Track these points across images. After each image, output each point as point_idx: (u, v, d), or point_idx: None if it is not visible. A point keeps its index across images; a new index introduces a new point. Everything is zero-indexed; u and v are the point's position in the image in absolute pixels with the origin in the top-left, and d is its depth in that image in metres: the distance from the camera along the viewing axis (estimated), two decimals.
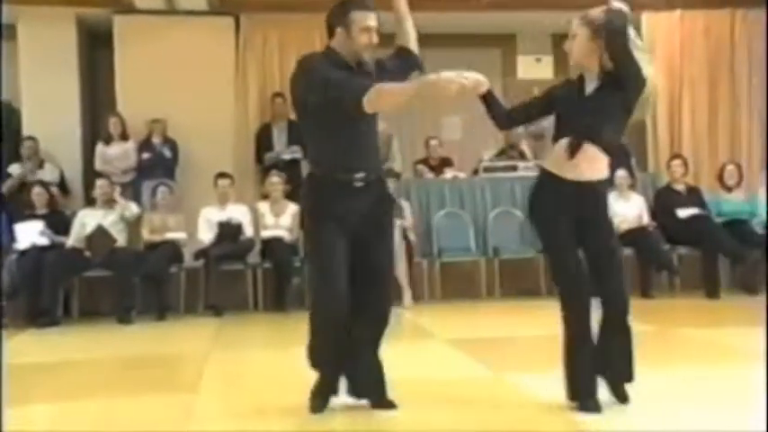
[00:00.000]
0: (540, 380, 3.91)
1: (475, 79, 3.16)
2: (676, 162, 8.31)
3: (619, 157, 8.71)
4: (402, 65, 3.56)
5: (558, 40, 10.25)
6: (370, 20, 3.34)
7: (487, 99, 3.42)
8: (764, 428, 2.95)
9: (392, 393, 3.52)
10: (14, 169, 8.36)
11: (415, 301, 7.70)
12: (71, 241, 7.41)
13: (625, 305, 3.32)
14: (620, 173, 8.21)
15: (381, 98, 3.16)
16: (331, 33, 3.41)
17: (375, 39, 3.36)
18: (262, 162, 8.63)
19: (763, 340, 4.47)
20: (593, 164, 3.31)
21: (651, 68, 3.23)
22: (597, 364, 3.27)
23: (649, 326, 6.07)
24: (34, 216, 7.60)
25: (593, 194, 3.32)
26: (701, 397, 3.65)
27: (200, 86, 8.56)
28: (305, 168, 8.82)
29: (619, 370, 3.32)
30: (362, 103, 3.12)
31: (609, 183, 3.24)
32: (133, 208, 7.69)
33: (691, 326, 6.04)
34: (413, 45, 3.64)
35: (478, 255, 8.20)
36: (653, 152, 9.65)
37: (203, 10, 8.90)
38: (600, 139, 3.28)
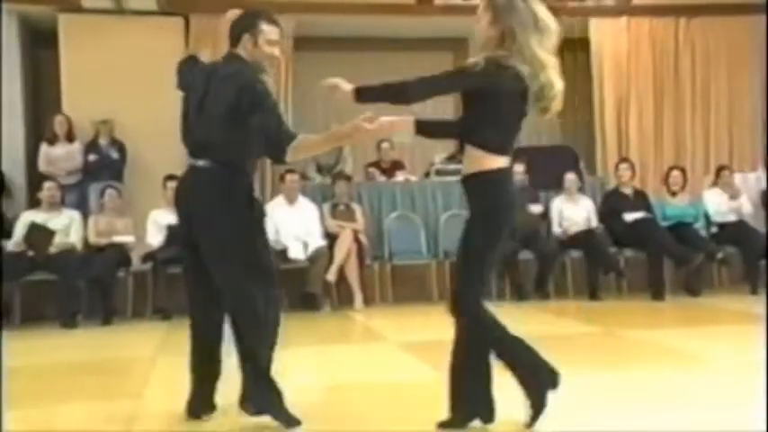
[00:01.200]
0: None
1: (389, 123, 3.13)
2: (624, 166, 8.45)
3: (567, 161, 8.88)
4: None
5: None
6: (277, 35, 3.49)
7: (423, 128, 3.26)
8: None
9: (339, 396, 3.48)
10: None
11: (366, 304, 7.70)
12: (12, 245, 7.21)
13: (456, 304, 3.16)
14: (569, 176, 8.32)
15: (303, 151, 3.29)
16: (236, 41, 3.46)
17: (278, 53, 3.49)
18: None
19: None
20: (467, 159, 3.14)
21: (551, 66, 3.07)
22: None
23: (596, 327, 6.18)
24: None
25: (464, 189, 3.18)
26: (646, 397, 3.70)
27: (148, 87, 8.41)
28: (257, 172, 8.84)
29: None
30: (286, 153, 3.17)
31: (487, 176, 3.05)
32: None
33: (637, 327, 6.13)
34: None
35: (430, 258, 8.22)
36: (601, 156, 9.81)
37: (152, 10, 8.79)
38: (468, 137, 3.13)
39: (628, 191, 8.37)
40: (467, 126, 3.12)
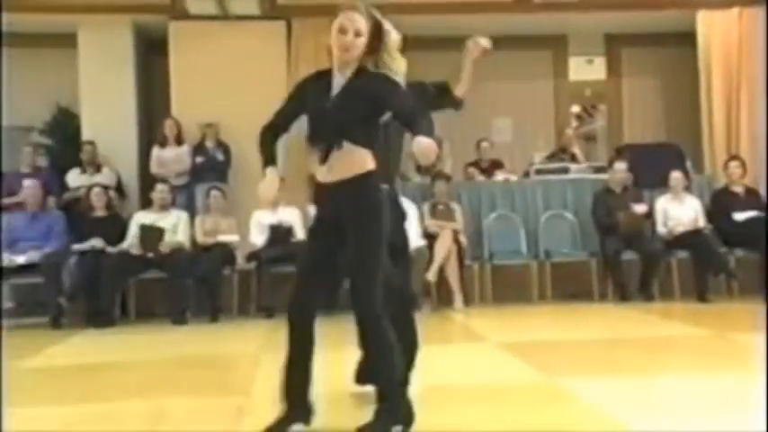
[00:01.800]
0: (592, 383, 3.84)
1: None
2: (734, 164, 8.12)
3: (673, 158, 8.60)
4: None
5: (611, 41, 10.14)
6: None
7: None
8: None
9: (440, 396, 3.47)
10: (74, 174, 8.55)
11: (466, 305, 7.67)
12: (127, 243, 7.54)
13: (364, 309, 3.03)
14: (675, 174, 8.06)
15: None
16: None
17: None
18: None
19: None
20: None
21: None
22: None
23: (705, 330, 5.96)
24: (93, 218, 7.76)
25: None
26: (758, 403, 3.55)
27: (252, 91, 8.62)
28: None
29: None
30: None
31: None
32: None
33: (749, 330, 5.87)
34: (459, 89, 3.79)
35: (530, 258, 8.12)
36: (709, 153, 9.44)
37: (255, 15, 9.00)
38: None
39: (738, 189, 8.04)
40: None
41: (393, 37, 3.14)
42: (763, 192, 8.39)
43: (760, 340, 5.10)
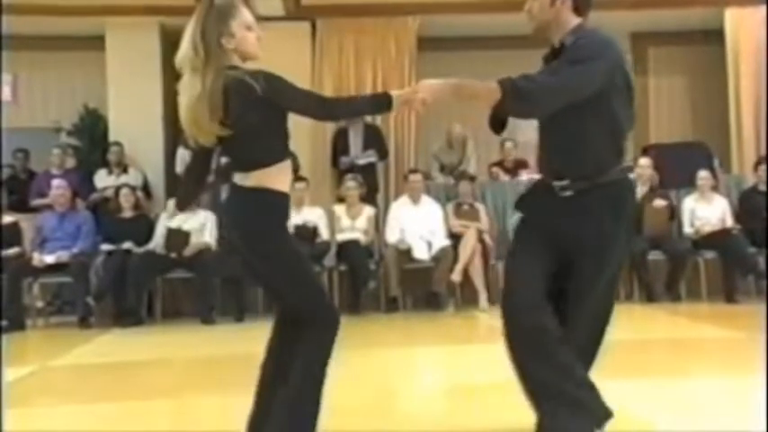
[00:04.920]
0: (617, 384, 3.80)
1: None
2: (765, 166, 8.02)
3: (700, 158, 8.50)
4: None
5: (637, 39, 10.01)
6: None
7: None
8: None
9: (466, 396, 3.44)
10: (101, 175, 8.63)
11: (491, 304, 7.62)
12: (154, 243, 7.59)
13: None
14: (703, 174, 7.97)
15: None
16: None
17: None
18: (337, 166, 8.67)
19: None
20: None
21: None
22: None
23: (734, 331, 5.88)
24: (121, 219, 7.83)
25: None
26: None
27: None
28: (380, 172, 8.94)
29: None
30: None
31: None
32: None
33: None
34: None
35: None
36: (737, 153, 9.32)
37: (280, 15, 9.02)
38: None
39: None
40: None
41: None
42: None
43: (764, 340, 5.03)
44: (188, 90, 2.69)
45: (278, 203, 2.71)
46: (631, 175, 2.78)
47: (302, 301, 2.73)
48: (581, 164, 2.71)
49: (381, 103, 2.79)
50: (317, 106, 2.80)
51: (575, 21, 2.77)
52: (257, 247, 2.69)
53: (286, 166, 2.74)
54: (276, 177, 2.69)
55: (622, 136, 2.74)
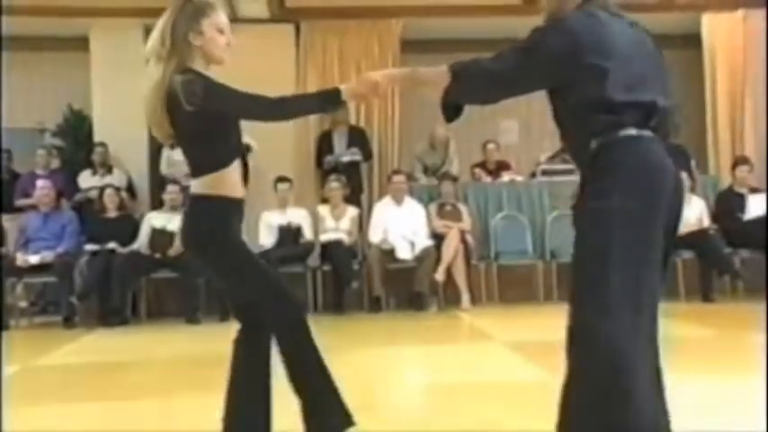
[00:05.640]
0: None
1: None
2: (745, 167, 8.11)
3: (678, 160, 8.56)
4: None
5: None
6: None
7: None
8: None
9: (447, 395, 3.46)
10: (85, 175, 8.58)
11: (473, 304, 7.65)
12: (138, 244, 7.55)
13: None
14: (680, 175, 8.03)
15: None
16: None
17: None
18: (321, 166, 8.66)
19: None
20: None
21: None
22: None
23: (710, 330, 5.94)
24: (106, 219, 7.78)
25: None
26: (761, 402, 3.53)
27: (261, 92, 8.62)
28: (364, 173, 8.95)
29: None
30: None
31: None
32: None
33: (753, 330, 5.84)
34: None
35: (536, 258, 8.11)
36: (713, 155, 9.41)
37: (264, 18, 9.01)
38: None
39: (743, 190, 8.00)
40: None
41: None
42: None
43: (763, 340, 5.08)
44: (150, 80, 2.63)
45: (218, 208, 2.65)
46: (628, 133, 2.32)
47: (256, 300, 2.72)
48: (567, 146, 2.56)
49: (329, 97, 2.70)
50: (260, 107, 2.76)
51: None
52: (199, 254, 2.68)
53: (231, 169, 2.68)
54: (219, 182, 2.65)
55: (594, 117, 2.35)
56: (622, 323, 2.21)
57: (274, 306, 2.70)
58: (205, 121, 2.58)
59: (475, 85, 2.44)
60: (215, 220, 2.65)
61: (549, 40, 2.33)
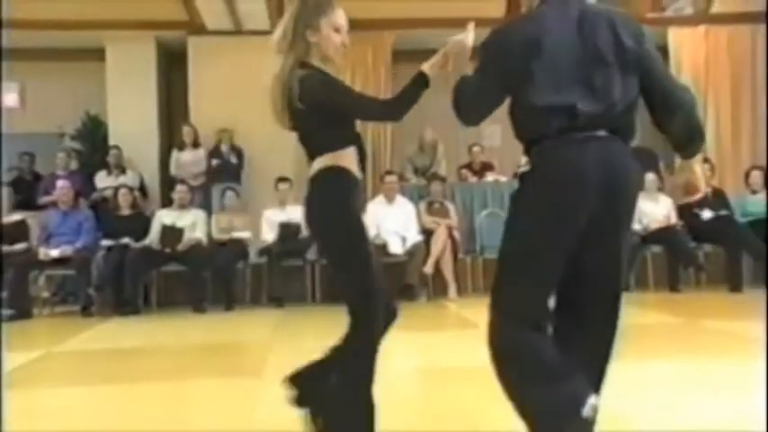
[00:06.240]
0: None
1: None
2: (706, 166, 8.11)
3: (647, 162, 8.58)
4: None
5: None
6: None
7: None
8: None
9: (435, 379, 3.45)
10: (101, 176, 8.56)
11: (460, 295, 7.65)
12: (150, 239, 7.53)
13: None
14: (650, 176, 8.05)
15: None
16: None
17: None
18: None
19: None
20: None
21: None
22: None
23: (677, 318, 5.96)
24: (120, 216, 7.76)
25: None
26: (724, 385, 3.54)
27: (264, 99, 8.59)
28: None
29: None
30: None
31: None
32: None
33: (716, 318, 5.87)
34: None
35: None
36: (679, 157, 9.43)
37: (267, 30, 8.97)
38: None
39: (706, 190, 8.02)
40: None
41: None
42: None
43: (745, 328, 5.09)
44: (276, 71, 2.56)
45: (338, 179, 2.48)
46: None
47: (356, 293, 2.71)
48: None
49: (421, 81, 2.54)
50: (376, 107, 2.59)
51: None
52: (322, 227, 2.51)
53: (349, 152, 2.51)
54: (339, 158, 2.48)
55: (522, 123, 2.37)
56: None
57: (365, 304, 2.67)
58: (320, 114, 2.45)
59: (462, 101, 2.38)
60: (336, 191, 2.46)
61: (487, 48, 2.31)
